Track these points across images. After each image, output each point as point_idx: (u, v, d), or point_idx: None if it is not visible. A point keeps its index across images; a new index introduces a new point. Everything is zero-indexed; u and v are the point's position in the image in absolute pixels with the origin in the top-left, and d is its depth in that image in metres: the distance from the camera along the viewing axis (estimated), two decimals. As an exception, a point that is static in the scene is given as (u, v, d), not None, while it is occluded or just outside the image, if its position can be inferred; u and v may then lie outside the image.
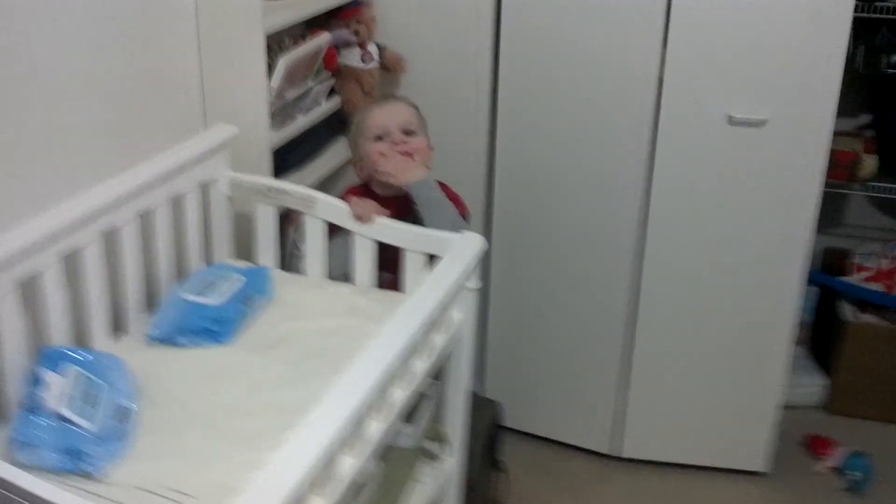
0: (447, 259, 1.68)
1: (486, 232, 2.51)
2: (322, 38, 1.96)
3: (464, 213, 2.01)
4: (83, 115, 1.64)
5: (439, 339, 1.64)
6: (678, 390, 2.53)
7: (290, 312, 1.78)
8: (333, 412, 1.23)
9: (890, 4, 2.51)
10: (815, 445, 2.69)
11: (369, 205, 1.85)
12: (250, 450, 1.38)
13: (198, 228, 1.86)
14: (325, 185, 2.24)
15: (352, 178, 2.46)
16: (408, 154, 1.97)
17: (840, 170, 2.72)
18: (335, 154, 2.33)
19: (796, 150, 2.22)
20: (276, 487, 1.08)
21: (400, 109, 2.02)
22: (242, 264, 1.90)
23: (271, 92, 1.85)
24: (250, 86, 1.86)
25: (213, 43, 1.87)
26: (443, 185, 2.02)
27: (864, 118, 2.96)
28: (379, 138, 1.98)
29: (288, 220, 2.02)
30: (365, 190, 2.02)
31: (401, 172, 1.93)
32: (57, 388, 1.37)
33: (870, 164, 2.74)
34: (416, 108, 2.06)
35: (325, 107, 2.17)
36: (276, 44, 1.93)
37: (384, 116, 1.99)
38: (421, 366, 1.57)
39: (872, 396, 2.83)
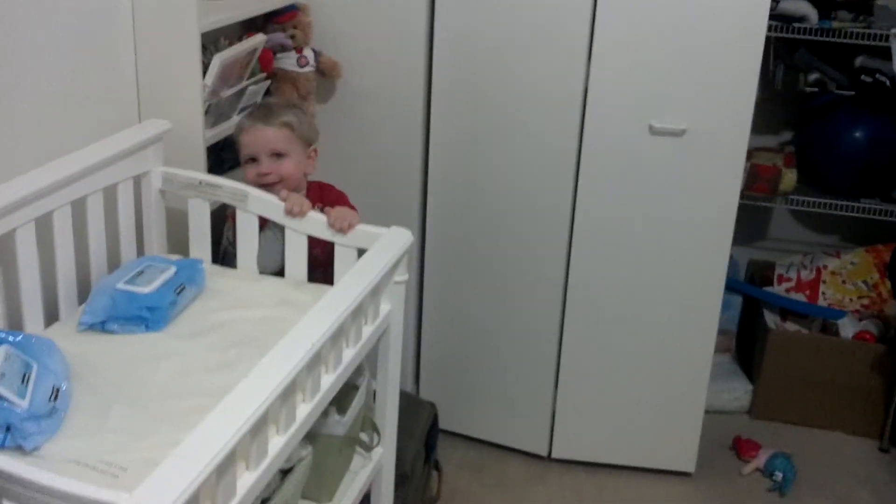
0: (373, 250, 1.73)
1: (421, 234, 2.57)
2: (257, 39, 2.01)
3: None
4: (21, 106, 1.67)
5: (367, 329, 1.69)
6: (606, 393, 2.59)
7: (220, 303, 1.81)
8: (256, 388, 1.26)
9: (806, 26, 2.63)
10: (741, 448, 2.76)
11: (302, 199, 1.89)
12: (178, 428, 1.39)
13: (130, 220, 1.88)
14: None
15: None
16: (273, 184, 1.94)
17: (762, 184, 2.83)
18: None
19: (715, 159, 2.32)
20: (197, 458, 1.10)
21: (265, 134, 1.94)
22: (175, 258, 1.93)
23: (205, 89, 1.89)
24: (185, 82, 1.90)
25: (149, 40, 1.92)
26: (328, 189, 2.05)
27: (787, 135, 3.09)
28: (251, 160, 1.96)
29: (223, 219, 2.05)
30: None
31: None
32: (-12, 367, 1.38)
33: (790, 177, 2.83)
34: (288, 124, 1.96)
35: (261, 108, 2.21)
36: (211, 44, 1.97)
37: (251, 140, 1.95)
38: (349, 353, 1.61)
39: (794, 401, 2.91)
